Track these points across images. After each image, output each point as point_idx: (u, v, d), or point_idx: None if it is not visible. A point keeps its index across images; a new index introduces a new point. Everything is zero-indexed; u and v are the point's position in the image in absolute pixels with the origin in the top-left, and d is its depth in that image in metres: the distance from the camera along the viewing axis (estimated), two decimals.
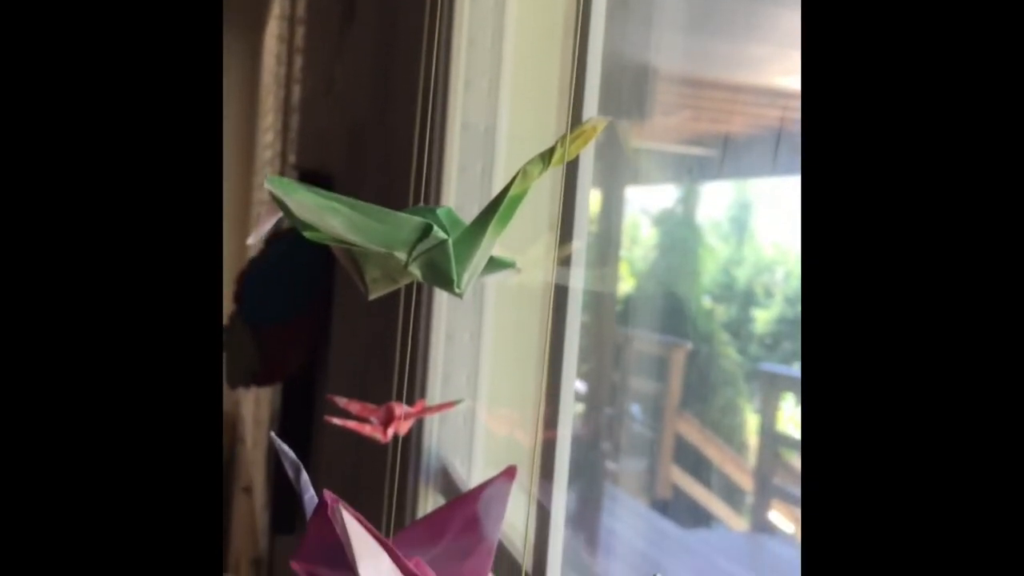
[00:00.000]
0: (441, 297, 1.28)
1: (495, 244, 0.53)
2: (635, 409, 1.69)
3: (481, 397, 1.31)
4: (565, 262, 1.04)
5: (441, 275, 0.52)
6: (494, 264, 0.58)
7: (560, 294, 1.12)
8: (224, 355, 2.04)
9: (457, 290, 0.52)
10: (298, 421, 2.08)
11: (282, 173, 2.54)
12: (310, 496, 0.59)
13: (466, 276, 0.52)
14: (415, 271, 0.52)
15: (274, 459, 2.31)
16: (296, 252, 2.08)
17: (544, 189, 1.16)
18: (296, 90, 2.57)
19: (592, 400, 1.41)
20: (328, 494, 0.50)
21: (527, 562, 0.90)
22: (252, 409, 2.66)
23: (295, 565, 0.53)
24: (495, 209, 0.50)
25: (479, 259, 0.52)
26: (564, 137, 0.48)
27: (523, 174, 0.49)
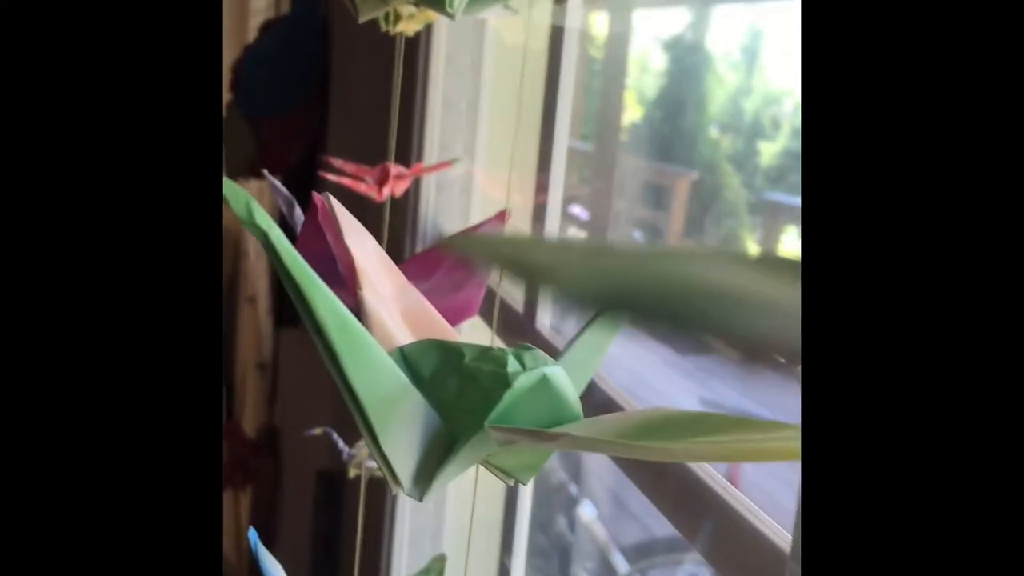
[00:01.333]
0: (438, 66, 1.25)
1: None
2: (637, 236, 1.70)
3: (478, 164, 1.29)
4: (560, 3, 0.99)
5: None
6: None
7: (554, 58, 1.09)
8: (223, 147, 1.99)
9: (449, 10, 0.49)
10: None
11: None
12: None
13: None
14: None
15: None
16: (292, 40, 2.00)
17: None
18: None
19: (594, 227, 1.42)
20: (317, 196, 0.49)
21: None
22: None
23: None
24: None
25: None
26: None
27: None
